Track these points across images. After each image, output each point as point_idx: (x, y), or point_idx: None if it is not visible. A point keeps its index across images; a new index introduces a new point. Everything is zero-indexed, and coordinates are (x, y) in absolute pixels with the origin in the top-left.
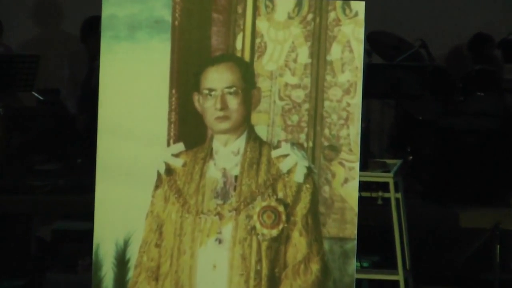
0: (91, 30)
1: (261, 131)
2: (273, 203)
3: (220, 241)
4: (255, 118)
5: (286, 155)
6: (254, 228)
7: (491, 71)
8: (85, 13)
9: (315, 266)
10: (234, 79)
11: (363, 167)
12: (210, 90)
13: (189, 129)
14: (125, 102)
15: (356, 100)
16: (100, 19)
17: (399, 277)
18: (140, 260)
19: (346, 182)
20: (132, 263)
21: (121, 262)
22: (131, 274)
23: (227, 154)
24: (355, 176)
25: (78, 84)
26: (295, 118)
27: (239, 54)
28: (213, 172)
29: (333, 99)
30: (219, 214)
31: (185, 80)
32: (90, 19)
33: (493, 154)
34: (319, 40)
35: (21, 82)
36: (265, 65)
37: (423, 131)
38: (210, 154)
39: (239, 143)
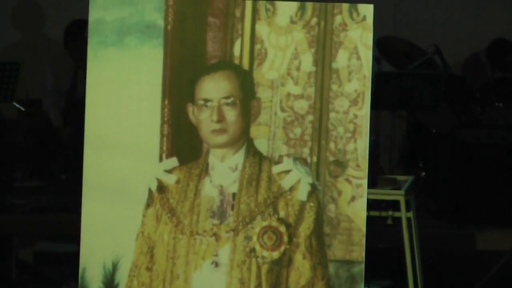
0: (76, 35)
1: (261, 145)
2: (274, 223)
3: (216, 264)
4: (254, 131)
5: (288, 171)
6: (253, 250)
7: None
8: (69, 17)
9: None
10: (231, 89)
11: (372, 184)
12: (206, 100)
13: (183, 143)
14: (114, 114)
15: (364, 112)
16: (85, 23)
17: None
18: (130, 285)
19: (353, 200)
20: None
21: (110, 287)
22: None
23: (224, 170)
24: (363, 194)
25: (61, 94)
26: (298, 131)
27: (237, 62)
28: (209, 189)
29: (339, 110)
30: (215, 235)
31: (178, 89)
32: (74, 23)
33: None
34: (324, 46)
35: (0, 92)
36: (265, 73)
37: (437, 144)
38: (205, 170)
39: (237, 158)
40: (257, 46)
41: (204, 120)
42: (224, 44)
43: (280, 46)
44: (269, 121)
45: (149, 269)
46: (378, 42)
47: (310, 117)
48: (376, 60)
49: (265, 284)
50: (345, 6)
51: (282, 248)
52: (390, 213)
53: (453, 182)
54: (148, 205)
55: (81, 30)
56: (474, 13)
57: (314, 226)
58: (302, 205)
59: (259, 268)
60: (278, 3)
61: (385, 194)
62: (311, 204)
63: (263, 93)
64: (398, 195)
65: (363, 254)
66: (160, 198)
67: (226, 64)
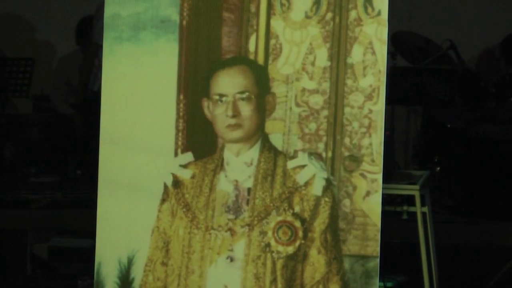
0: (87, 31)
1: (276, 140)
2: (289, 218)
3: (231, 259)
4: (269, 126)
5: (303, 166)
6: (268, 245)
7: None
8: (82, 12)
9: (334, 287)
10: (246, 84)
11: (387, 179)
12: (221, 95)
13: (198, 138)
14: (129, 109)
15: (379, 107)
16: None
17: None
18: (146, 280)
19: (368, 195)
20: (136, 283)
21: (125, 282)
22: None
23: (239, 165)
24: (378, 188)
25: (73, 90)
26: (313, 126)
27: (252, 57)
28: (224, 184)
29: (354, 105)
30: (230, 230)
31: (193, 84)
32: (87, 19)
33: None
34: (339, 41)
35: (16, 87)
36: (280, 68)
37: (452, 140)
38: (221, 165)
39: (252, 153)
40: (272, 41)
41: (219, 115)
42: (239, 39)
43: (295, 41)
44: (284, 116)
45: (164, 264)
46: (393, 37)
47: (325, 112)
48: (391, 55)
49: (280, 279)
50: (360, 1)
51: (297, 243)
52: (405, 208)
53: (468, 177)
54: (163, 200)
55: (91, 27)
56: (488, 8)
57: (329, 221)
58: (317, 200)
59: (274, 263)
60: None
61: (400, 189)
62: (326, 199)
63: (278, 88)
64: (413, 190)
65: (378, 249)
66: (175, 193)
67: (241, 59)
